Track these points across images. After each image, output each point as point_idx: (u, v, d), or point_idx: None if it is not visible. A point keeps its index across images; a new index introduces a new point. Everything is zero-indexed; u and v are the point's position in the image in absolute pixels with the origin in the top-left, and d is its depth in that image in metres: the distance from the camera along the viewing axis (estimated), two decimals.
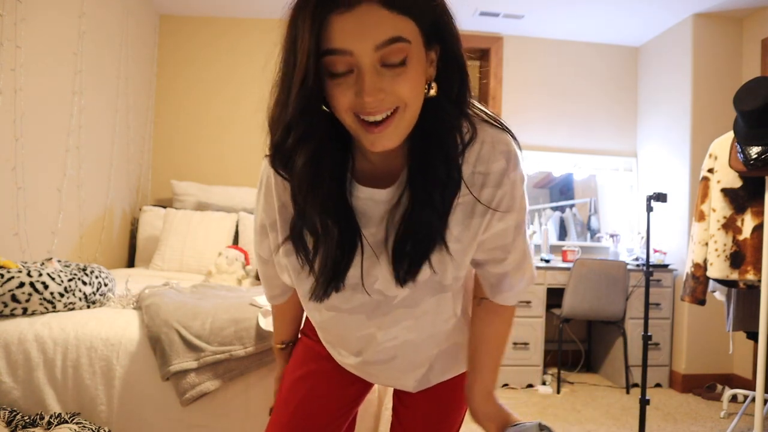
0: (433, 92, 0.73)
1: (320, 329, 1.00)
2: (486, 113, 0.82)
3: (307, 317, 1.13)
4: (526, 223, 0.88)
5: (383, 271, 0.84)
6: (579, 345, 3.98)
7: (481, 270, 0.92)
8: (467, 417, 1.00)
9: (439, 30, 0.71)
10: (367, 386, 1.10)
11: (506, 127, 0.83)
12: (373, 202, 0.81)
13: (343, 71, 0.67)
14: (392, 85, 0.68)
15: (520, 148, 0.83)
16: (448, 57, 0.73)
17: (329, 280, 0.81)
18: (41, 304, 1.59)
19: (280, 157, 0.76)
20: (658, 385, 3.54)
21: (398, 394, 1.12)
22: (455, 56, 0.73)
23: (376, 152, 0.76)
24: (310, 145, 0.72)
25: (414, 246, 0.79)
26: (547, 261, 3.67)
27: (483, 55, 4.19)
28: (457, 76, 0.74)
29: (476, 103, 0.81)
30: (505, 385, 3.43)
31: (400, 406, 1.12)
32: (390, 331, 0.90)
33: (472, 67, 4.30)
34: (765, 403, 2.41)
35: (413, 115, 0.72)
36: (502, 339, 0.94)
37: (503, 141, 0.81)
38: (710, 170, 2.39)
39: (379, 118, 0.69)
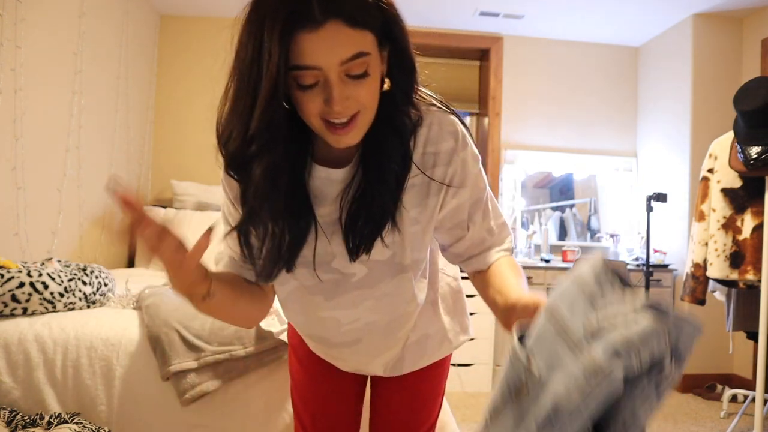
0: (386, 87, 0.79)
1: (289, 311, 1.00)
2: (433, 97, 0.88)
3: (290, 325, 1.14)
4: (486, 202, 0.92)
5: (340, 249, 0.87)
6: None
7: (447, 254, 0.97)
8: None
9: (390, 30, 0.76)
10: (357, 377, 1.12)
11: (453, 110, 0.88)
12: (329, 182, 0.85)
13: (311, 83, 0.72)
14: (356, 91, 0.73)
15: (467, 128, 0.89)
16: (399, 53, 0.79)
17: (276, 262, 0.84)
18: (41, 304, 1.59)
19: (235, 165, 0.81)
20: None
21: (373, 386, 1.15)
22: (405, 52, 0.79)
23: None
24: (271, 155, 0.76)
25: (366, 221, 0.83)
26: (547, 261, 3.67)
27: (483, 55, 4.18)
28: (406, 69, 0.80)
29: (423, 89, 0.87)
30: None
31: (376, 397, 1.14)
32: (351, 312, 0.93)
33: (473, 67, 4.31)
34: (765, 403, 2.41)
35: (372, 115, 0.78)
36: (515, 273, 0.89)
37: (450, 122, 0.86)
38: (710, 170, 2.39)
39: (344, 120, 0.74)
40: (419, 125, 0.84)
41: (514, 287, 0.82)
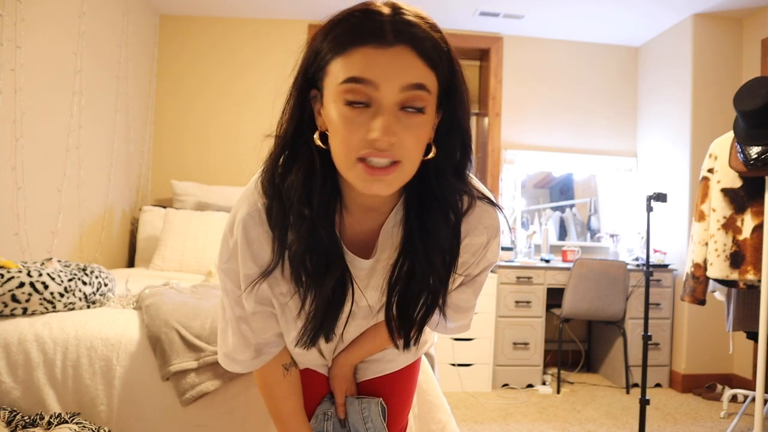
0: (431, 155, 0.73)
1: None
2: (476, 188, 0.83)
3: None
4: (480, 283, 0.94)
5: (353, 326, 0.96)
6: (579, 345, 3.98)
7: None
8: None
9: (451, 95, 0.72)
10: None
11: (495, 203, 0.85)
12: (354, 268, 0.84)
13: (362, 101, 0.66)
14: (404, 132, 0.67)
15: (506, 218, 0.88)
16: (453, 123, 0.73)
17: (318, 327, 0.85)
18: (41, 304, 1.59)
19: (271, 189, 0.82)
20: (658, 385, 3.54)
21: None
22: (460, 123, 0.74)
23: (364, 203, 0.79)
24: (304, 164, 0.76)
25: (422, 313, 0.83)
26: (547, 261, 3.67)
27: (483, 55, 4.19)
28: (459, 143, 0.75)
29: (470, 175, 0.83)
30: (505, 385, 3.43)
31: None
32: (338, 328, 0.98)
33: (472, 67, 4.31)
34: (765, 403, 2.41)
35: (410, 173, 0.71)
36: (379, 345, 1.03)
37: (490, 216, 0.84)
38: (710, 170, 2.39)
39: (383, 162, 0.68)
40: (470, 211, 0.80)
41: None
